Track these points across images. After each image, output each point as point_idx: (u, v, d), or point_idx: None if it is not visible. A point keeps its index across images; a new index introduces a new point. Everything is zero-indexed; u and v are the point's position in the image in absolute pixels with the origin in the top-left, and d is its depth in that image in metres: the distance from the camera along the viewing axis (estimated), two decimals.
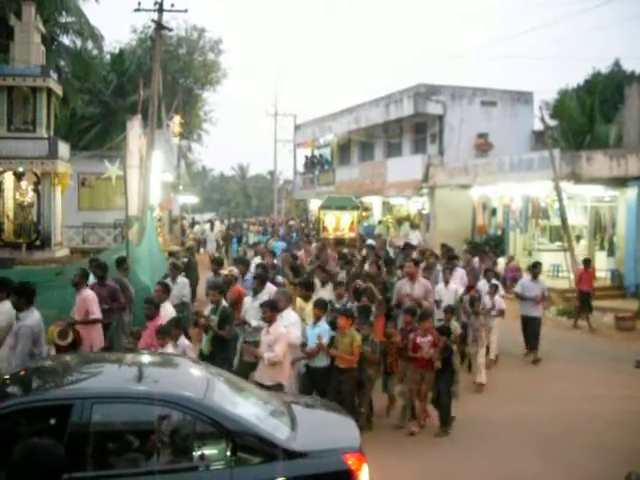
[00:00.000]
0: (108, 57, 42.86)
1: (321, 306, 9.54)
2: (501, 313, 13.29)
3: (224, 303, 10.10)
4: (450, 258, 14.71)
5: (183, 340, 8.87)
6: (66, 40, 34.67)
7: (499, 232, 26.92)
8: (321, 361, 9.31)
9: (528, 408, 10.90)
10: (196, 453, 5.54)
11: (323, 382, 9.27)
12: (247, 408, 5.92)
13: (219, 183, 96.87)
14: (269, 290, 10.56)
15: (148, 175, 22.30)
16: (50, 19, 29.86)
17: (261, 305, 9.34)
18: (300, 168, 48.39)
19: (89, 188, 28.13)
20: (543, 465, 8.54)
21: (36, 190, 19.52)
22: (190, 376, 6.46)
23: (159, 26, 23.79)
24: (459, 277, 13.79)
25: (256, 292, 10.57)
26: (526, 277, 15.22)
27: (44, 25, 21.80)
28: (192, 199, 48.63)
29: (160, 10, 23.36)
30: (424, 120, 33.02)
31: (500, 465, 8.54)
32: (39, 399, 5.66)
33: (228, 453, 5.44)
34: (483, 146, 31.46)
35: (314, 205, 44.83)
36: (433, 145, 32.57)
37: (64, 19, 33.77)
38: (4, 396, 5.75)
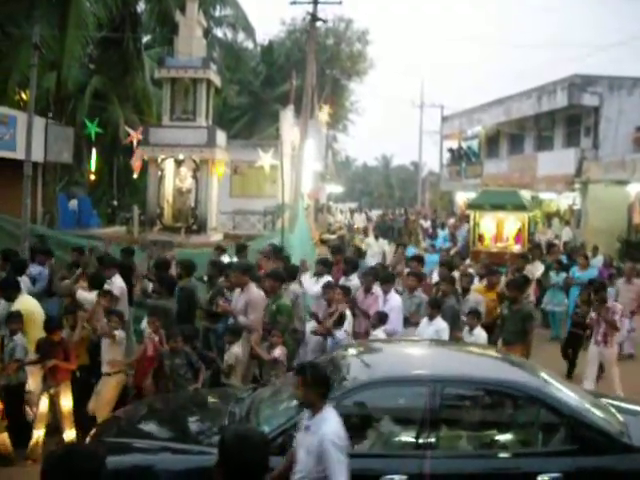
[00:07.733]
0: (258, 49, 44.13)
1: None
2: None
3: None
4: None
5: None
6: (219, 33, 36.15)
7: None
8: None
9: None
10: (539, 439, 5.61)
11: None
12: (576, 399, 5.87)
13: (362, 173, 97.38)
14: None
15: (300, 164, 22.89)
16: (206, 13, 31.16)
17: None
18: (445, 160, 47.88)
19: (241, 176, 29.00)
20: None
21: (194, 176, 20.32)
22: (519, 365, 6.52)
23: (314, 18, 24.36)
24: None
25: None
26: None
27: None
28: (337, 189, 49.22)
29: (315, 2, 23.94)
30: (578, 112, 31.66)
31: None
32: (396, 378, 5.88)
33: (569, 441, 5.46)
34: None
35: (460, 197, 44.23)
36: (587, 138, 31.20)
37: (219, 12, 35.26)
38: (366, 368, 6.09)
